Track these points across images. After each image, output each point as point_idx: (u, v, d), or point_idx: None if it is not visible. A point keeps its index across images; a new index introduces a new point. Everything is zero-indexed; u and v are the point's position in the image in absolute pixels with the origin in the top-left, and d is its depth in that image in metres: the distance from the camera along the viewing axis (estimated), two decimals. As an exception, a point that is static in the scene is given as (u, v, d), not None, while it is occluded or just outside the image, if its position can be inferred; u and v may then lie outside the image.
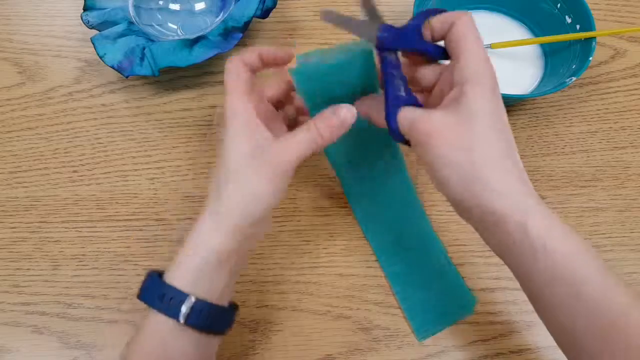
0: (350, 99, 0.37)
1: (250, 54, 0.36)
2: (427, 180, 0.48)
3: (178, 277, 0.33)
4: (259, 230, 0.36)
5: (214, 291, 0.34)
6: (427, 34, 0.34)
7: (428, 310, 0.44)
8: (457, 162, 0.30)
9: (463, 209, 0.32)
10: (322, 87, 0.37)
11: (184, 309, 0.32)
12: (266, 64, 0.37)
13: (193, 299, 0.33)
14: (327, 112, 0.35)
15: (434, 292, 0.44)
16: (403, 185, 0.46)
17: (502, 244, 0.31)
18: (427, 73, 0.35)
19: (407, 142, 0.34)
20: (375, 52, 0.35)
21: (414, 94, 0.34)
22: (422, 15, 0.34)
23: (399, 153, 0.44)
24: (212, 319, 0.34)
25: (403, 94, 0.33)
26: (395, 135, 0.33)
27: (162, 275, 0.34)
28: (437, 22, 0.33)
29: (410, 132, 0.32)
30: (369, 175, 0.45)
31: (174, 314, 0.33)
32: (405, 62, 0.36)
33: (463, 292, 0.44)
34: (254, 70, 0.37)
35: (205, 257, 0.33)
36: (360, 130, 0.37)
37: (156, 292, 0.33)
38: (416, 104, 0.33)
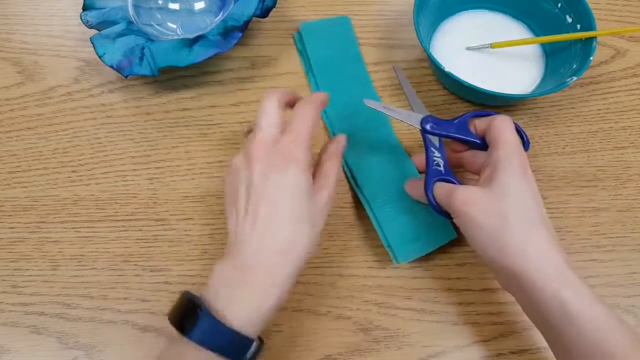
0: (339, 57, 0.53)
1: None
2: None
3: (242, 319, 0.33)
4: None
5: (262, 329, 0.35)
6: (471, 128, 0.42)
7: (409, 234, 0.44)
8: (490, 225, 0.35)
9: (498, 270, 0.36)
10: (320, 43, 0.53)
11: (249, 354, 0.34)
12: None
13: (256, 344, 0.34)
14: (333, 142, 0.42)
15: (415, 217, 0.45)
16: (387, 135, 0.50)
17: (534, 307, 0.35)
18: (473, 158, 0.42)
19: (446, 214, 0.39)
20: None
21: (452, 172, 0.41)
22: (468, 114, 0.42)
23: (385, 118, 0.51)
24: (258, 357, 0.35)
25: (442, 169, 0.41)
26: (432, 205, 0.40)
27: (203, 306, 0.33)
28: (480, 121, 0.41)
29: (449, 201, 0.37)
30: (357, 127, 0.50)
31: (238, 356, 0.33)
32: (452, 149, 0.44)
33: (444, 220, 0.45)
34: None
35: (274, 304, 0.34)
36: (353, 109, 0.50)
37: (222, 337, 0.33)
38: (452, 180, 0.41)
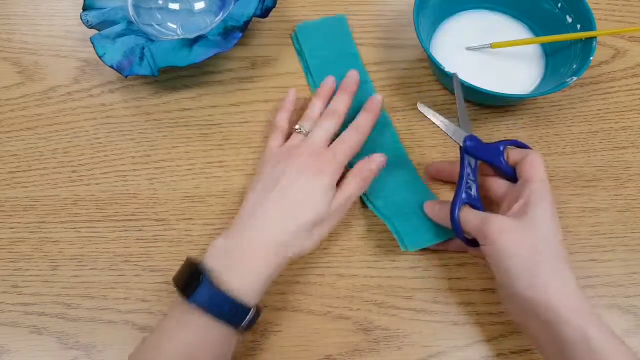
0: (337, 54, 0.54)
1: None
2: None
3: (243, 287, 0.37)
4: None
5: (259, 298, 0.39)
6: (504, 157, 0.42)
7: (417, 222, 0.45)
8: (522, 256, 0.36)
9: (521, 301, 0.37)
10: (317, 43, 0.54)
11: (246, 321, 0.37)
12: None
13: (254, 311, 0.37)
14: (365, 160, 0.44)
15: (419, 216, 0.45)
16: (389, 135, 0.50)
17: (555, 341, 0.35)
18: (495, 185, 0.42)
19: (467, 240, 0.40)
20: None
21: (480, 199, 0.41)
22: (504, 142, 0.42)
23: (386, 117, 0.51)
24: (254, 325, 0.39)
25: (472, 193, 0.41)
26: (457, 228, 0.40)
27: (205, 273, 0.37)
28: (513, 152, 0.42)
29: (483, 228, 0.38)
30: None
31: (236, 323, 0.37)
32: (480, 172, 0.44)
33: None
34: None
35: (270, 276, 0.39)
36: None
37: (222, 303, 0.36)
38: (479, 207, 0.41)
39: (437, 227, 0.44)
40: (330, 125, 0.45)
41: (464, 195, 0.41)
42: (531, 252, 0.36)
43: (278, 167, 0.42)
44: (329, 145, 0.44)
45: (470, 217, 0.39)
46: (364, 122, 0.46)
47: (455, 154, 0.50)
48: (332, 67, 0.53)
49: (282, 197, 0.40)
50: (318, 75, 0.53)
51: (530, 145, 0.50)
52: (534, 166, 0.39)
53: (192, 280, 0.36)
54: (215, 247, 0.39)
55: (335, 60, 0.53)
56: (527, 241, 0.37)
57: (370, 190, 0.47)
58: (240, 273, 0.37)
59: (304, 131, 0.45)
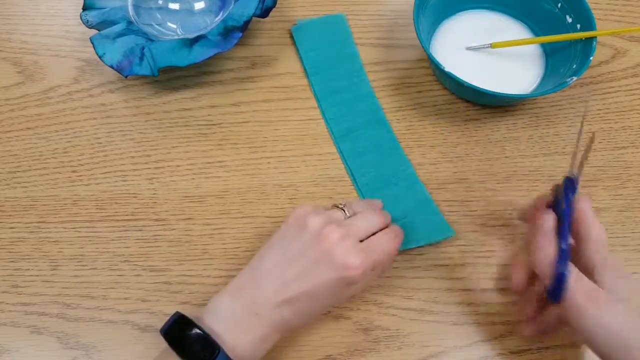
0: (337, 54, 0.54)
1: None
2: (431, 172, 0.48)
3: (247, 357, 0.36)
4: None
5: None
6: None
7: (403, 222, 0.45)
8: (616, 333, 0.33)
9: None
10: (314, 42, 0.54)
11: None
12: None
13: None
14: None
15: (412, 216, 0.45)
16: (386, 133, 0.51)
17: None
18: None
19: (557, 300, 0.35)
20: None
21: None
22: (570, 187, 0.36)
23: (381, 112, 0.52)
24: None
25: (568, 248, 0.34)
26: (556, 297, 0.34)
27: (222, 348, 0.35)
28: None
29: (588, 298, 0.33)
30: (355, 126, 0.51)
31: None
32: None
33: (440, 221, 0.46)
34: None
35: (270, 347, 0.38)
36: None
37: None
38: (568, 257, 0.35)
39: (427, 228, 0.45)
40: (375, 220, 0.40)
41: (565, 253, 0.34)
42: (623, 327, 0.33)
43: (306, 239, 0.38)
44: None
45: (580, 289, 0.34)
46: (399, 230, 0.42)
47: (455, 155, 0.50)
48: (330, 66, 0.53)
49: (299, 280, 0.37)
50: (315, 74, 0.53)
51: (533, 148, 0.49)
52: (585, 222, 0.35)
53: (207, 352, 0.35)
54: (224, 309, 0.37)
55: (333, 59, 0.53)
56: (618, 318, 0.33)
57: (364, 183, 0.48)
58: (246, 345, 0.36)
59: (347, 212, 0.40)
